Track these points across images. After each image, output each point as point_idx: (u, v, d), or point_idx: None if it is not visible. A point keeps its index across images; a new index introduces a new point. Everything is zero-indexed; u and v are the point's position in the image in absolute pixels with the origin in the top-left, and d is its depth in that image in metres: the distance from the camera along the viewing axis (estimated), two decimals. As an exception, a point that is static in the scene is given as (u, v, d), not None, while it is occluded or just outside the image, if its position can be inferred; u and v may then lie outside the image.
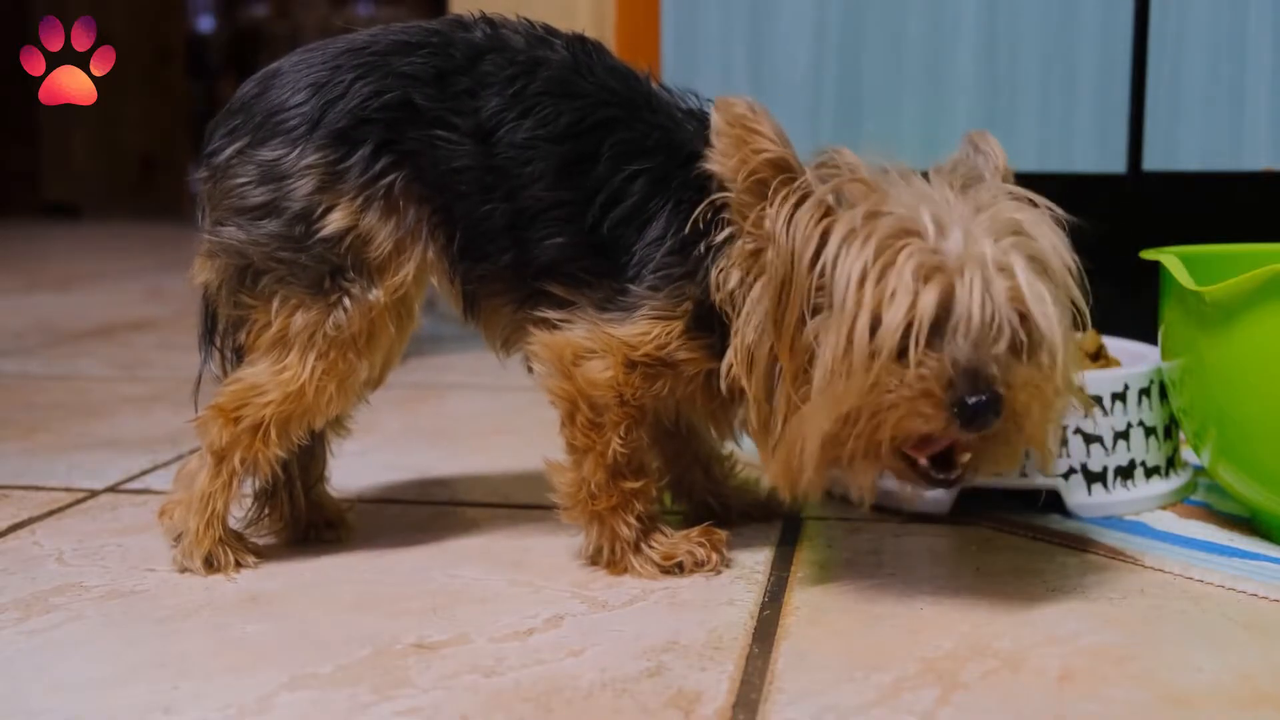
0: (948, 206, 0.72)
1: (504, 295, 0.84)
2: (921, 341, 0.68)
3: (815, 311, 0.72)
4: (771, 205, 0.73)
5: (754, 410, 0.76)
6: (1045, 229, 0.73)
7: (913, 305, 0.68)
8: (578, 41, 0.84)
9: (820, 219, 0.72)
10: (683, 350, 0.80)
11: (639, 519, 0.82)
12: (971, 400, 0.68)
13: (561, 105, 0.80)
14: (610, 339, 0.79)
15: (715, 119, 0.75)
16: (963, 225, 0.70)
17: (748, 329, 0.75)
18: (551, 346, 0.81)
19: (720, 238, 0.77)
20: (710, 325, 0.79)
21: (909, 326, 0.68)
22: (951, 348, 0.69)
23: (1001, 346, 0.69)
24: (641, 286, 0.79)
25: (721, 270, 0.77)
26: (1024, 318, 0.70)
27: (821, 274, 0.71)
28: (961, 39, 1.39)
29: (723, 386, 0.78)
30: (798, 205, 0.73)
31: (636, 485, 0.82)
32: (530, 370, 0.84)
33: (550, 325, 0.81)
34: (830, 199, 0.73)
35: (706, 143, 0.79)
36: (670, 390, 0.82)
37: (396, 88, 0.80)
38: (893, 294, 0.69)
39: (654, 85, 0.84)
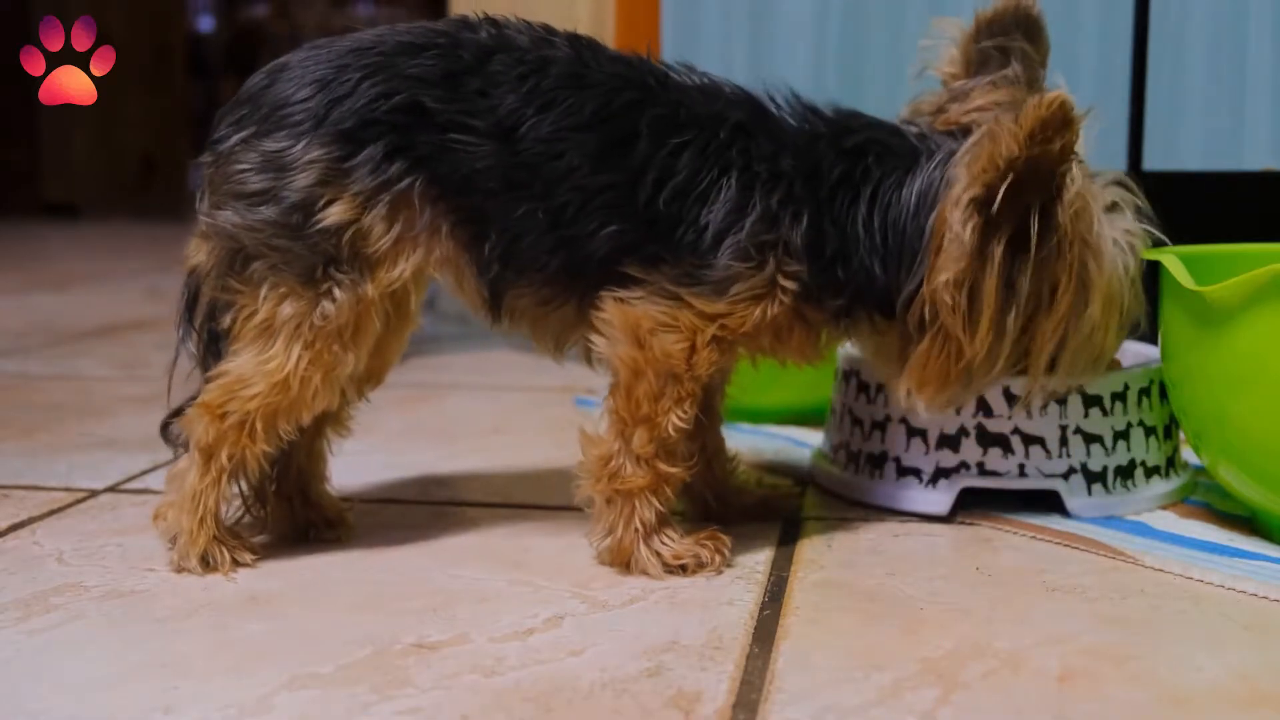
0: None
1: (558, 300, 0.84)
2: None
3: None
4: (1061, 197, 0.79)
5: (944, 344, 0.81)
6: None
7: None
8: (575, 39, 0.84)
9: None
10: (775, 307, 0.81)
11: (661, 505, 0.82)
12: None
13: (581, 95, 0.81)
14: (694, 313, 0.80)
15: (1036, 109, 0.76)
16: None
17: (947, 264, 0.79)
18: (626, 315, 0.81)
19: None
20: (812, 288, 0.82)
21: None
22: None
23: None
24: (725, 257, 0.80)
25: (937, 210, 0.80)
26: None
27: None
28: (961, 39, 1.38)
29: (908, 322, 0.82)
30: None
31: (672, 470, 0.82)
32: (588, 362, 0.85)
33: (622, 301, 0.81)
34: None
35: (738, 109, 0.82)
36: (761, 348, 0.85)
37: (404, 90, 0.80)
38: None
39: (655, 64, 0.84)
